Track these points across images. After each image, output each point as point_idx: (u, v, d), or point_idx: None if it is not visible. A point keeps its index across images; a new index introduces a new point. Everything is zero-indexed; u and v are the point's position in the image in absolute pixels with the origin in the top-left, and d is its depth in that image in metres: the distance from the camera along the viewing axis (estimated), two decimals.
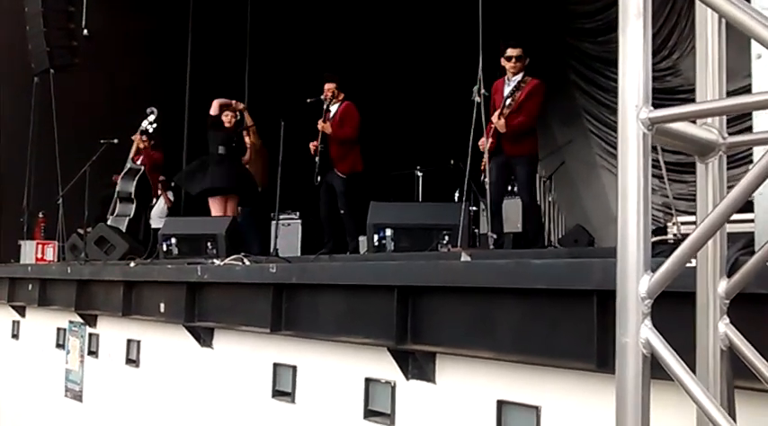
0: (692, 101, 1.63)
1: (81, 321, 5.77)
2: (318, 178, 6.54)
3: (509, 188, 6.39)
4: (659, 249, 2.34)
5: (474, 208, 7.20)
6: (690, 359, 1.37)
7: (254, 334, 3.95)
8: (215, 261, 4.88)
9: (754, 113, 2.03)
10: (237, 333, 4.16)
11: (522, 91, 5.52)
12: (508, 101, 5.54)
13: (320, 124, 6.49)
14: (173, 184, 9.41)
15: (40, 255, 8.47)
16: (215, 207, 7.35)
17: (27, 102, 8.80)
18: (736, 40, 1.61)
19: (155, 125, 8.06)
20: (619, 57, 1.38)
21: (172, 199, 9.21)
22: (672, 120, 1.35)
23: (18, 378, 6.90)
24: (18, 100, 9.05)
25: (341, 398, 3.41)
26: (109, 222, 7.60)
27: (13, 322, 7.01)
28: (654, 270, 1.30)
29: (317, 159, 6.57)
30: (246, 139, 7.62)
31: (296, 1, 10.46)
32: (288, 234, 8.66)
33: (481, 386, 2.81)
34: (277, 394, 3.81)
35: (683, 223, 3.75)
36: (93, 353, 5.68)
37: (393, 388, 3.14)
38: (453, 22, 9.17)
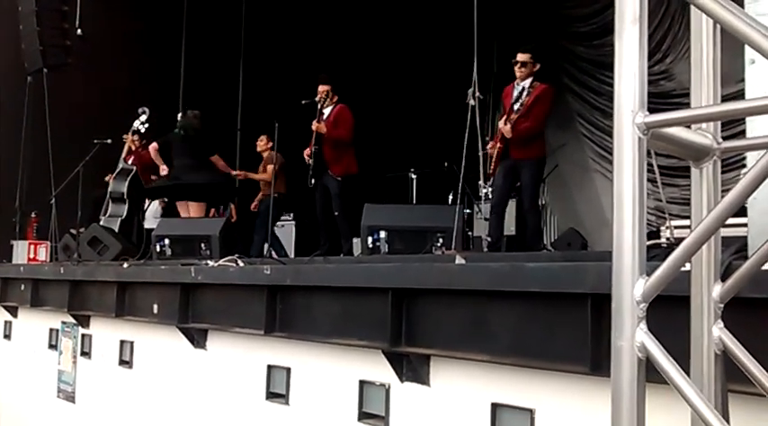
0: (686, 105, 1.64)
1: (74, 321, 5.75)
2: (313, 180, 6.53)
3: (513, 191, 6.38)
4: (653, 253, 2.35)
5: (468, 211, 7.21)
6: (684, 363, 1.37)
7: (248, 336, 3.95)
8: (209, 262, 4.87)
9: (748, 118, 2.04)
10: (231, 335, 4.15)
11: (530, 96, 5.53)
12: (516, 106, 5.57)
13: (314, 125, 6.49)
14: None
15: (32, 255, 8.44)
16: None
17: (20, 101, 8.77)
18: (729, 46, 1.62)
19: (146, 125, 8.04)
20: (615, 62, 1.39)
21: (166, 199, 9.18)
22: (667, 125, 1.36)
23: (10, 379, 6.87)
24: (11, 99, 9.02)
25: (335, 400, 3.41)
26: (101, 222, 7.57)
27: (6, 322, 6.98)
28: (649, 274, 1.31)
29: (311, 161, 6.57)
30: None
31: (291, 3, 10.45)
32: (282, 235, 8.67)
33: (475, 388, 2.81)
34: (271, 396, 3.81)
35: (676, 227, 3.77)
36: (85, 354, 5.66)
37: (387, 391, 3.14)
38: (448, 25, 9.19)
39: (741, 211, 1.80)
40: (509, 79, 5.82)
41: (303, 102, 6.64)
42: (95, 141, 7.38)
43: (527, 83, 5.60)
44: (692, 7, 1.47)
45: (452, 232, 5.13)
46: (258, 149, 8.03)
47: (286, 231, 9.07)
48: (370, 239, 5.47)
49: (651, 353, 1.26)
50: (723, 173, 1.61)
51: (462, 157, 5.40)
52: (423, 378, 3.02)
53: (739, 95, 2.00)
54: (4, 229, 8.70)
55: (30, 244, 8.57)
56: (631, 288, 1.29)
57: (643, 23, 1.35)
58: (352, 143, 6.64)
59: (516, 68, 5.62)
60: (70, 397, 5.78)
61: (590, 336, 2.33)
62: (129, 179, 7.85)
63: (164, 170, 7.49)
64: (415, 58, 10.84)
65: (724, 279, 1.48)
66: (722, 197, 1.45)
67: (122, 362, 5.19)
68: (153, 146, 7.65)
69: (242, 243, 7.40)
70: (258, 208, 7.96)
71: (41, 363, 6.27)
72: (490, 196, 7.54)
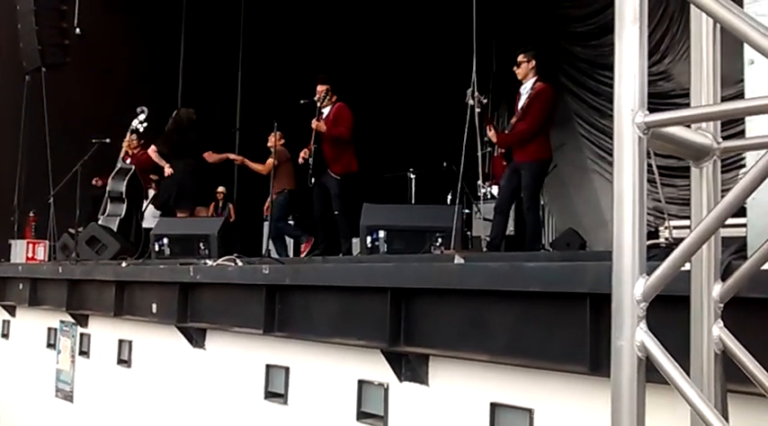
0: (685, 105, 1.64)
1: (72, 321, 5.74)
2: (312, 179, 6.53)
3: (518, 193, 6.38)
4: (652, 253, 2.35)
5: (467, 211, 7.21)
6: (684, 363, 1.37)
7: (246, 335, 3.94)
8: (207, 261, 4.87)
9: (747, 118, 2.04)
10: (230, 334, 4.15)
11: (529, 97, 5.54)
12: (519, 110, 5.60)
13: (314, 123, 6.49)
14: None
15: (30, 254, 8.44)
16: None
17: (18, 100, 8.76)
18: (727, 48, 1.62)
19: (145, 124, 8.03)
20: (615, 61, 1.39)
21: None
22: (667, 124, 1.36)
23: (8, 378, 6.86)
24: (9, 98, 9.01)
25: (333, 400, 3.41)
26: (99, 222, 7.57)
27: (4, 321, 6.97)
28: (649, 274, 1.31)
29: (310, 160, 6.56)
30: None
31: (290, 3, 10.45)
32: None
33: (474, 388, 2.81)
34: (270, 395, 3.81)
35: (674, 227, 3.77)
36: (84, 353, 5.65)
37: (386, 390, 3.14)
38: (447, 25, 9.19)
39: (740, 212, 1.80)
40: (508, 79, 5.84)
41: (302, 101, 6.64)
42: (94, 140, 7.37)
43: (529, 84, 5.61)
44: (692, 7, 1.47)
45: (451, 232, 5.13)
46: (269, 144, 7.96)
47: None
48: (369, 239, 5.47)
49: (651, 353, 1.26)
50: (722, 173, 1.61)
51: (461, 157, 5.39)
52: (421, 378, 3.02)
53: (738, 97, 2.00)
54: (3, 228, 8.69)
55: (28, 243, 8.56)
56: (631, 287, 1.28)
57: (643, 23, 1.35)
58: (351, 141, 6.63)
59: (515, 70, 5.65)
60: (68, 397, 5.78)
61: (589, 336, 2.33)
62: (127, 178, 7.84)
63: (168, 168, 7.50)
64: (413, 58, 10.84)
65: (724, 278, 1.48)
66: (722, 197, 1.45)
67: (121, 361, 5.18)
68: (152, 148, 7.67)
69: (240, 242, 7.40)
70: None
71: (40, 362, 6.26)
72: (489, 196, 7.56)
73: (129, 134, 8.04)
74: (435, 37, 10.48)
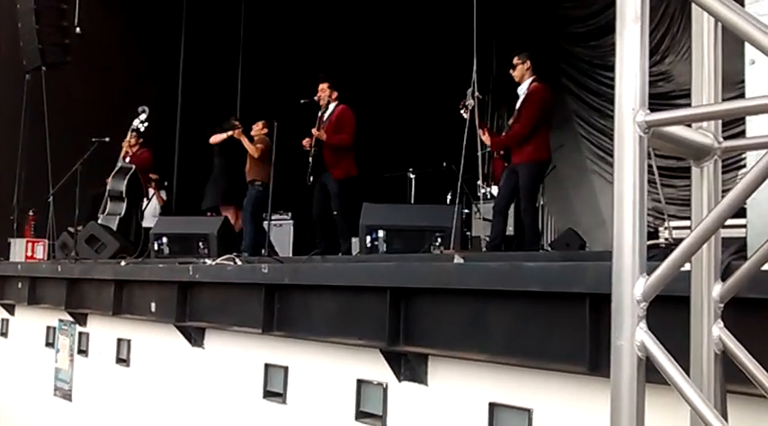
0: (685, 106, 1.63)
1: (71, 319, 5.73)
2: (311, 178, 6.52)
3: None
4: (651, 253, 2.34)
5: (466, 211, 7.21)
6: (684, 363, 1.37)
7: (245, 335, 3.94)
8: (206, 260, 4.86)
9: (748, 118, 2.04)
10: (229, 334, 4.14)
11: (523, 98, 5.56)
12: (516, 111, 5.61)
13: (314, 132, 6.47)
14: (166, 183, 9.38)
15: (29, 253, 8.42)
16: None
17: (18, 99, 8.75)
18: (727, 48, 1.62)
19: (146, 124, 8.03)
20: (616, 60, 1.38)
21: (165, 197, 9.18)
22: (668, 124, 1.36)
23: (7, 377, 6.85)
24: (9, 97, 9.00)
25: (332, 399, 3.40)
26: (99, 221, 7.56)
27: (2, 320, 6.97)
28: (649, 274, 1.30)
29: (310, 159, 6.55)
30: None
31: (290, 2, 10.45)
32: (280, 234, 8.66)
33: (473, 388, 2.81)
34: (268, 394, 3.80)
35: (674, 227, 3.77)
36: (82, 352, 5.65)
37: (385, 390, 3.14)
38: (448, 25, 9.19)
39: (740, 212, 1.80)
40: (507, 80, 5.85)
41: (302, 101, 6.63)
42: (94, 139, 7.36)
43: (525, 85, 5.62)
44: (694, 6, 1.47)
45: (451, 231, 5.13)
46: (252, 132, 7.97)
47: (284, 230, 9.07)
48: (368, 238, 5.46)
49: (651, 352, 1.25)
50: (722, 173, 1.60)
51: (461, 157, 5.39)
52: (420, 378, 3.02)
53: (739, 98, 2.00)
54: (2, 227, 8.68)
55: (27, 241, 8.55)
56: (631, 287, 1.28)
57: (644, 22, 1.35)
58: (352, 147, 6.61)
59: (512, 73, 5.69)
60: (67, 395, 5.77)
61: (589, 336, 2.33)
62: (127, 177, 7.84)
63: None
64: (413, 58, 10.84)
65: (724, 279, 1.48)
66: (723, 197, 1.45)
67: (119, 360, 5.18)
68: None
69: (240, 242, 7.39)
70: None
71: (38, 361, 6.25)
72: (489, 196, 7.56)
73: (129, 133, 8.04)
74: (435, 37, 10.48)
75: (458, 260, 3.46)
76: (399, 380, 3.07)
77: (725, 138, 1.55)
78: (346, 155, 6.57)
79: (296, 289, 3.62)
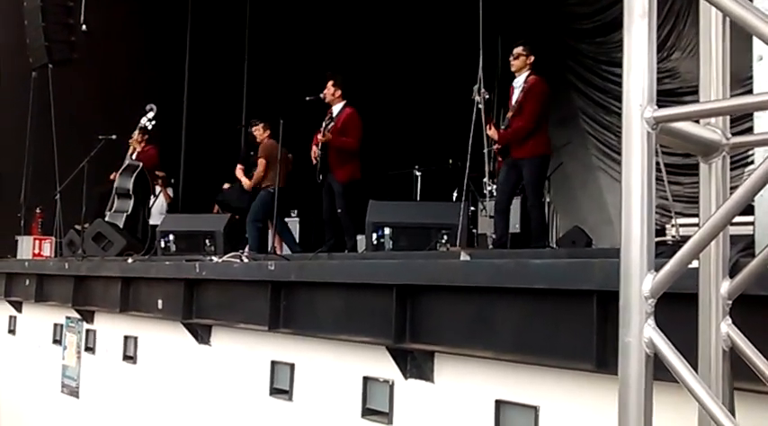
0: (692, 103, 1.63)
1: (78, 317, 5.76)
2: (321, 176, 6.50)
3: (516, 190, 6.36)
4: (659, 250, 2.33)
5: (472, 209, 7.20)
6: (691, 360, 1.36)
7: (251, 332, 3.95)
8: (213, 258, 4.87)
9: (756, 114, 2.03)
10: (235, 331, 4.15)
11: (523, 91, 5.48)
12: (515, 104, 5.53)
13: (320, 138, 6.44)
14: (173, 181, 9.40)
15: (36, 251, 8.45)
16: None
17: (25, 96, 8.78)
18: (735, 45, 1.61)
19: (153, 122, 8.04)
20: (624, 56, 1.37)
21: (171, 195, 9.20)
22: (676, 120, 1.35)
23: (14, 374, 6.89)
24: (16, 95, 9.03)
25: (339, 396, 3.41)
26: (106, 218, 7.58)
27: (10, 317, 7.00)
28: (657, 271, 1.30)
29: (318, 159, 6.54)
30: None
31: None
32: None
33: (480, 385, 2.81)
34: (275, 391, 3.81)
35: (681, 225, 3.76)
36: (90, 349, 5.67)
37: (391, 387, 3.14)
38: (454, 22, 9.17)
39: (747, 209, 1.79)
40: (514, 76, 5.80)
41: (307, 98, 6.62)
42: (100, 137, 7.37)
43: (522, 78, 5.55)
44: (702, 1, 1.46)
45: (457, 229, 5.12)
46: (258, 139, 7.92)
47: (290, 228, 9.07)
48: (374, 236, 5.46)
49: (659, 349, 1.25)
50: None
51: (467, 154, 5.37)
52: (427, 375, 3.02)
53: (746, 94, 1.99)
54: (9, 224, 8.71)
55: (34, 239, 8.58)
56: (639, 283, 1.28)
57: (652, 17, 1.34)
58: (358, 151, 6.57)
59: (511, 61, 5.58)
60: (74, 392, 5.79)
61: (595, 333, 2.33)
62: (134, 175, 7.85)
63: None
64: (419, 55, 10.82)
65: (732, 275, 1.47)
66: (731, 193, 1.44)
67: (126, 358, 5.20)
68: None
69: (245, 239, 7.40)
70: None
71: (46, 358, 6.28)
72: (495, 193, 7.53)
73: (137, 131, 8.06)
74: (441, 34, 10.46)
75: (464, 257, 3.45)
76: (406, 377, 3.07)
77: (732, 135, 1.54)
78: (351, 159, 6.51)
79: (302, 287, 3.62)
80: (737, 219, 1.53)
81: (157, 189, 8.68)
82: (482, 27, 5.44)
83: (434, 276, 2.96)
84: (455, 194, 7.55)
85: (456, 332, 2.86)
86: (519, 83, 5.56)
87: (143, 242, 7.19)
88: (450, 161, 7.66)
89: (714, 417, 1.16)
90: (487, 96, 5.52)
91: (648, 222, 1.30)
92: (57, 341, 6.19)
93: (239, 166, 7.65)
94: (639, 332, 1.26)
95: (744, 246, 1.97)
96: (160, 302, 4.67)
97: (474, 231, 7.05)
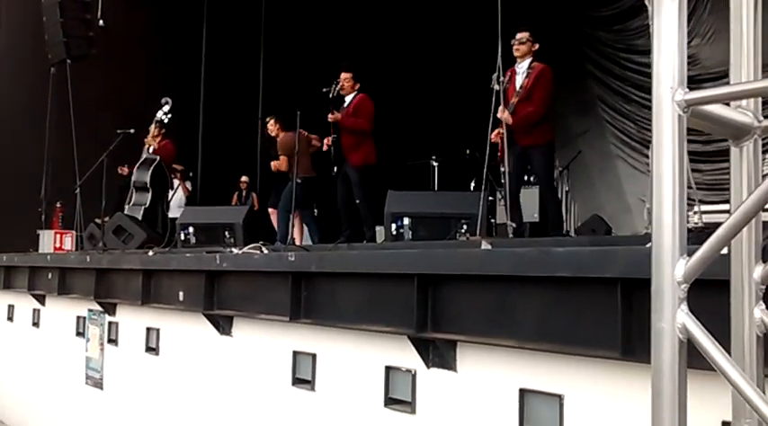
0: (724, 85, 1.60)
1: (100, 309, 5.81)
2: (335, 168, 6.52)
3: (526, 177, 6.34)
4: None
5: (491, 198, 7.18)
6: (724, 347, 1.35)
7: (273, 322, 3.96)
8: (233, 249, 4.89)
9: None
10: (257, 322, 4.17)
11: (529, 77, 5.42)
12: (519, 89, 5.47)
13: (330, 117, 6.46)
14: (191, 174, 9.47)
15: (58, 245, 8.56)
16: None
17: (44, 92, 8.86)
18: (765, 27, 1.58)
19: (169, 115, 8.09)
20: (653, 38, 1.35)
21: (190, 188, 9.26)
22: (708, 102, 1.33)
23: (39, 366, 6.98)
24: (35, 90, 9.12)
25: (361, 386, 3.41)
26: (125, 211, 7.65)
27: (34, 310, 7.09)
28: (690, 255, 1.28)
29: (332, 149, 6.55)
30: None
31: None
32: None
33: (503, 374, 2.80)
34: (297, 381, 3.83)
35: (703, 212, 3.72)
36: (112, 341, 5.72)
37: (414, 376, 3.14)
38: (471, 11, 9.11)
39: None
40: None
41: (324, 89, 6.62)
42: (118, 131, 7.43)
43: (525, 64, 5.49)
44: None
45: (476, 218, 5.10)
46: (273, 134, 7.93)
47: None
48: (393, 226, 5.46)
49: (693, 335, 1.23)
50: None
51: (487, 143, 5.33)
52: (449, 364, 3.01)
53: None
54: (31, 219, 8.82)
55: (55, 233, 8.68)
56: (672, 268, 1.26)
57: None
58: (371, 133, 6.58)
59: (514, 47, 5.51)
60: (98, 384, 5.86)
61: (620, 321, 2.31)
62: (152, 168, 7.91)
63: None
64: (437, 45, 10.78)
65: (765, 260, 1.45)
66: (762, 177, 1.42)
67: (149, 349, 5.24)
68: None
69: (264, 231, 7.44)
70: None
71: (69, 350, 6.36)
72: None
73: (153, 124, 8.11)
74: (458, 23, 10.41)
75: (485, 246, 3.44)
76: (428, 367, 3.07)
77: (764, 118, 1.52)
78: (365, 142, 6.54)
79: (322, 277, 3.62)
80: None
81: (176, 182, 8.74)
82: (501, 15, 5.39)
83: (456, 265, 2.95)
84: (473, 184, 7.52)
85: (478, 322, 2.85)
86: (523, 68, 5.49)
87: (162, 235, 7.25)
88: (468, 151, 7.63)
89: (751, 402, 1.15)
90: (506, 83, 5.48)
91: (680, 206, 1.28)
92: (80, 334, 6.25)
93: (273, 163, 7.52)
94: (672, 317, 1.24)
95: None
96: (181, 294, 4.70)
97: (492, 221, 7.03)
